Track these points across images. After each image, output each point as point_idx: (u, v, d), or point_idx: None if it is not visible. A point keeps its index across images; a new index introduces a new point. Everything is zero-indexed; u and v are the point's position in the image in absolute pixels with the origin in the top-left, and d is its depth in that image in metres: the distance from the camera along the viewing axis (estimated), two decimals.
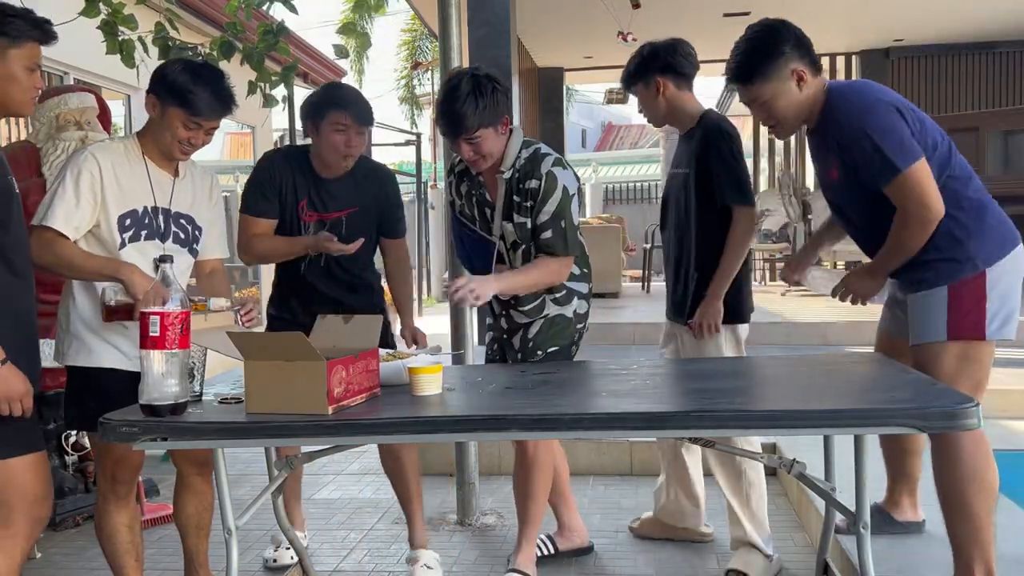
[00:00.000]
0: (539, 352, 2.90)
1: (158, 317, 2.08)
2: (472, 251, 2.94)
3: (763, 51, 2.47)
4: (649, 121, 3.19)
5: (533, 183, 2.74)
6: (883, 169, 2.36)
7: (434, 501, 3.97)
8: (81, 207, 2.42)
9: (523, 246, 2.82)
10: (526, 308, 2.87)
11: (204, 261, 2.74)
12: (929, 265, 2.43)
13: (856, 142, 2.38)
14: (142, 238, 2.52)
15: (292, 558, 3.26)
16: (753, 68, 2.46)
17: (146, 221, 2.53)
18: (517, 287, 2.76)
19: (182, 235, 2.62)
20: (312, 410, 2.08)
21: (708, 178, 2.93)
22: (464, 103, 2.60)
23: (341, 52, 4.33)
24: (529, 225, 2.78)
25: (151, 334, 2.08)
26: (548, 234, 2.76)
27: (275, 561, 3.30)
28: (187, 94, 2.44)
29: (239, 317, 2.63)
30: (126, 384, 2.39)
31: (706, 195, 2.94)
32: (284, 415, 2.09)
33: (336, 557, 3.37)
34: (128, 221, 2.50)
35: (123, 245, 2.50)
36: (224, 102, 2.51)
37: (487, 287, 2.65)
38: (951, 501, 2.45)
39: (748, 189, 2.96)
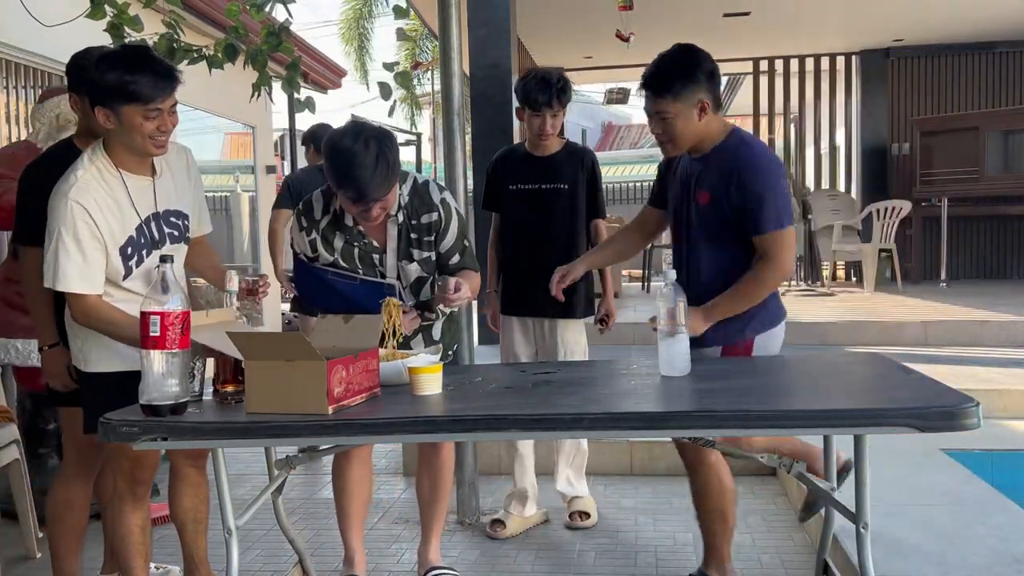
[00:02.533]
0: (449, 352, 3.00)
1: (158, 317, 2.07)
2: (358, 295, 2.75)
3: (681, 72, 2.58)
4: (546, 139, 3.48)
5: (432, 216, 2.78)
6: (775, 217, 2.56)
7: None
8: (90, 261, 2.36)
9: (429, 279, 2.84)
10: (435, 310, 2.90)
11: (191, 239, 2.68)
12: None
13: (760, 185, 2.55)
14: (144, 256, 2.47)
15: None
16: (669, 84, 2.58)
17: (142, 240, 2.47)
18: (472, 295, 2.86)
19: (176, 232, 2.57)
20: (312, 410, 2.09)
21: (595, 193, 3.57)
22: (376, 169, 2.49)
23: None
24: (433, 257, 2.82)
25: (151, 334, 2.08)
26: (457, 258, 2.84)
27: None
28: (130, 86, 2.31)
29: (259, 288, 2.54)
30: (125, 385, 2.38)
31: (586, 209, 3.55)
32: (284, 415, 2.10)
33: (336, 557, 3.37)
34: (130, 249, 2.44)
35: (129, 273, 2.44)
36: (168, 75, 2.37)
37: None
38: (717, 513, 2.81)
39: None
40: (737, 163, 2.58)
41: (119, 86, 2.31)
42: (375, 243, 2.78)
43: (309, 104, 4.43)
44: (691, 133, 2.61)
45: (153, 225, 2.50)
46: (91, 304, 2.39)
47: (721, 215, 2.60)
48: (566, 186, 3.51)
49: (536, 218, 3.51)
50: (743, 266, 2.61)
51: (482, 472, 3.90)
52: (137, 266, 2.45)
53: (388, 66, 4.22)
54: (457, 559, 3.30)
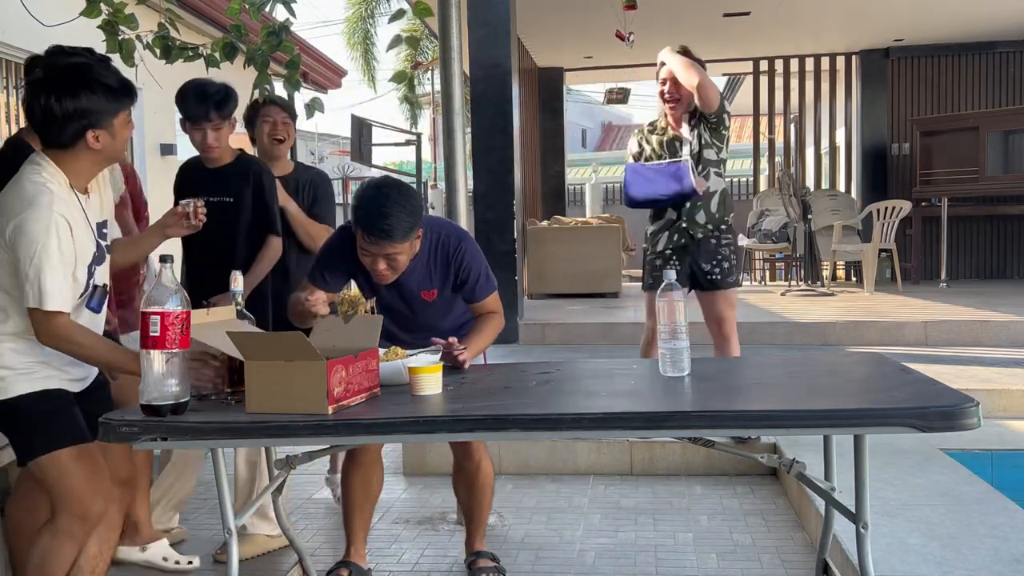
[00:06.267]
0: None
1: (158, 317, 2.07)
2: None
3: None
4: (209, 152, 3.34)
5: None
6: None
7: (434, 501, 3.97)
8: (68, 277, 2.28)
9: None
10: None
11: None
12: None
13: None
14: (95, 275, 2.41)
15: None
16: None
17: (96, 254, 2.40)
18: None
19: (104, 243, 2.49)
20: (312, 410, 2.09)
21: (263, 208, 3.37)
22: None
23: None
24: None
25: (151, 334, 2.07)
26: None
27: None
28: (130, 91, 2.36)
29: (193, 212, 2.61)
30: (66, 402, 2.37)
31: (255, 223, 3.35)
32: (284, 415, 2.10)
33: (336, 557, 3.37)
34: (93, 267, 2.38)
35: (87, 289, 2.37)
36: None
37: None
38: (486, 498, 3.09)
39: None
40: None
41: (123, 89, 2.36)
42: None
43: (316, 105, 4.39)
44: None
45: (97, 239, 2.43)
46: (63, 323, 2.27)
47: None
48: (231, 199, 3.32)
49: (204, 232, 3.08)
50: None
51: None
52: (92, 281, 2.38)
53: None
54: (457, 559, 3.30)
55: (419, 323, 2.91)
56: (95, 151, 2.34)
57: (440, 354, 2.59)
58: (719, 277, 4.06)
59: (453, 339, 2.68)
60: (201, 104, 3.25)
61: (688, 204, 4.05)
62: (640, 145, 4.23)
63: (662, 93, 4.07)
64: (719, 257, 4.06)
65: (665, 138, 4.12)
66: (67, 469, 2.33)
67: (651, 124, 4.25)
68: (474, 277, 2.87)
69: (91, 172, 2.40)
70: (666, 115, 4.16)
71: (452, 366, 2.64)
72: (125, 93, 2.35)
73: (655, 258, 4.21)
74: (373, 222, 2.59)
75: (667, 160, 4.07)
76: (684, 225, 4.09)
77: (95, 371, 2.47)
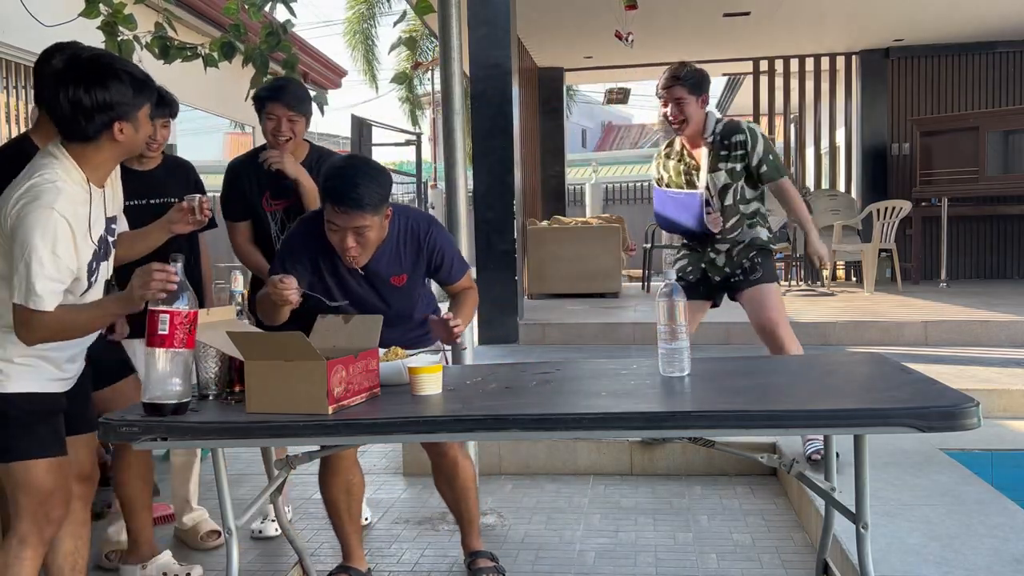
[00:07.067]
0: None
1: (168, 316, 2.08)
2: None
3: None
4: (157, 150, 3.29)
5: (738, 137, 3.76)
6: None
7: (434, 501, 3.97)
8: (63, 279, 2.19)
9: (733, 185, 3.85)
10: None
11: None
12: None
13: None
14: (100, 270, 2.35)
15: (276, 530, 3.54)
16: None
17: (100, 252, 2.34)
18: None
19: (111, 238, 2.43)
20: (312, 410, 2.09)
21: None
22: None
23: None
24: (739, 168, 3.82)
25: (159, 332, 2.08)
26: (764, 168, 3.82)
27: (260, 532, 3.59)
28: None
29: (199, 207, 2.64)
30: (54, 409, 2.31)
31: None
32: (284, 415, 2.10)
33: (336, 557, 3.37)
34: (94, 264, 2.31)
35: (90, 287, 2.31)
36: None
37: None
38: (471, 495, 3.07)
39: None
40: None
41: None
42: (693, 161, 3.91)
43: (321, 98, 4.36)
44: None
45: (105, 235, 2.39)
46: (47, 320, 2.17)
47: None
48: (177, 200, 3.11)
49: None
50: None
51: (482, 472, 3.89)
52: (95, 279, 2.32)
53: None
54: (457, 559, 3.30)
55: (392, 313, 2.79)
56: (118, 143, 2.28)
57: (440, 353, 2.60)
58: (741, 277, 3.89)
59: (448, 314, 2.73)
60: (161, 102, 3.15)
61: (713, 244, 3.91)
62: (659, 171, 4.07)
63: (666, 116, 3.86)
64: (737, 262, 3.92)
65: (682, 165, 3.96)
66: (37, 478, 2.27)
67: (668, 146, 4.06)
68: (448, 259, 2.90)
69: (109, 166, 2.36)
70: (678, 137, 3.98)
71: (446, 341, 2.70)
72: (148, 86, 2.32)
73: (677, 272, 4.09)
74: (344, 192, 2.56)
75: (685, 191, 3.92)
76: (703, 265, 3.95)
77: (82, 366, 2.45)
